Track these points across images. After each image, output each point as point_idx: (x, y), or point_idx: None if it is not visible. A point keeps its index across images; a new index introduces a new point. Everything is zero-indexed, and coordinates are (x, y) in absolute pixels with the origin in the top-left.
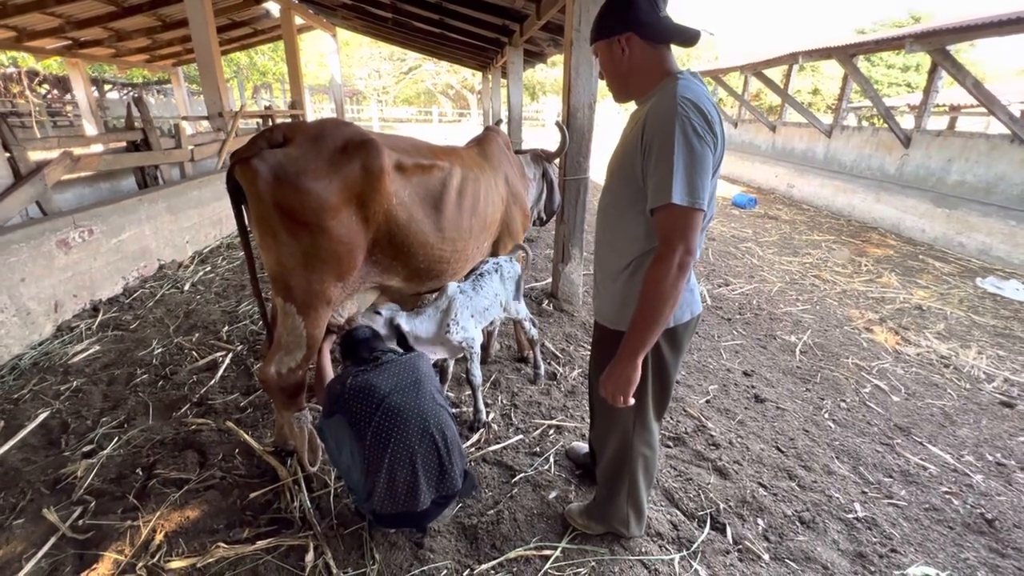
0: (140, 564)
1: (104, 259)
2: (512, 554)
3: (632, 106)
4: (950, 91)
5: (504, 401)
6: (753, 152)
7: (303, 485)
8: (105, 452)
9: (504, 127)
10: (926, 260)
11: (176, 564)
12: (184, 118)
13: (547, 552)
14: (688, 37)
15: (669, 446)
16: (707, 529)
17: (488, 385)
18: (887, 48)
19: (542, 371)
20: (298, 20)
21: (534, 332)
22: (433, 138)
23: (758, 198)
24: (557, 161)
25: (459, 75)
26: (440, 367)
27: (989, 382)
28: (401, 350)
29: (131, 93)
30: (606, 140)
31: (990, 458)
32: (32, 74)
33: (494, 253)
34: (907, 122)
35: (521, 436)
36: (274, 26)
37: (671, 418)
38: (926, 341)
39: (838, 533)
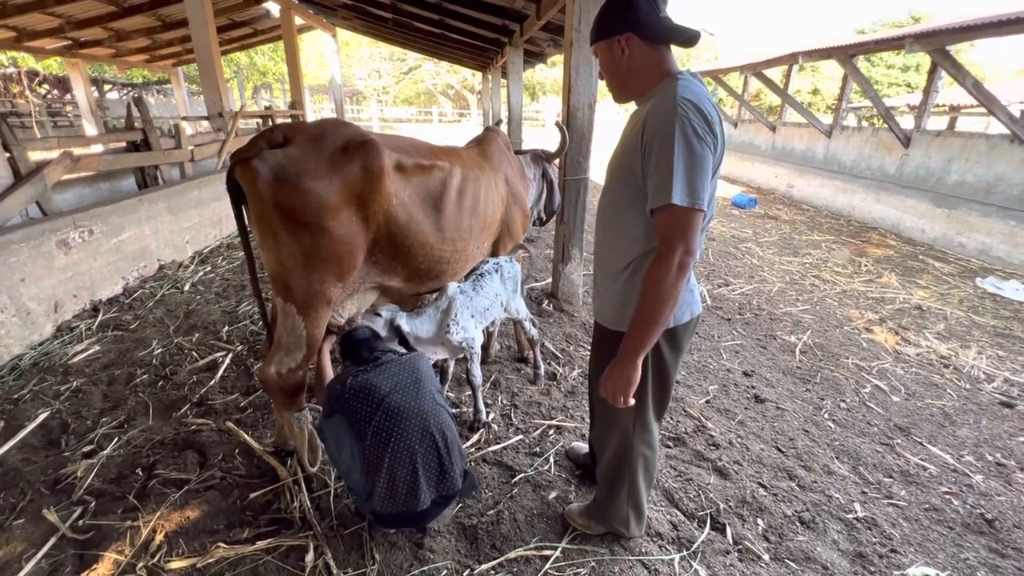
0: (140, 564)
1: (104, 259)
2: (512, 554)
3: (632, 106)
4: (950, 91)
5: (504, 401)
6: (753, 152)
7: (303, 485)
8: (105, 452)
9: (504, 127)
10: (926, 260)
11: (176, 564)
12: (184, 118)
13: (547, 552)
14: (688, 37)
15: (669, 446)
16: (707, 529)
17: (488, 385)
18: (887, 48)
19: (542, 371)
20: (298, 20)
21: (534, 332)
22: (433, 138)
23: (758, 198)
24: (557, 161)
25: (459, 75)
26: (440, 367)
27: (989, 382)
28: (404, 350)
29: (131, 93)
30: (606, 140)
31: (990, 458)
32: (32, 74)
33: (494, 253)
34: (907, 122)
35: (521, 436)
36: (274, 26)
37: (671, 418)
38: (926, 341)
39: (838, 533)
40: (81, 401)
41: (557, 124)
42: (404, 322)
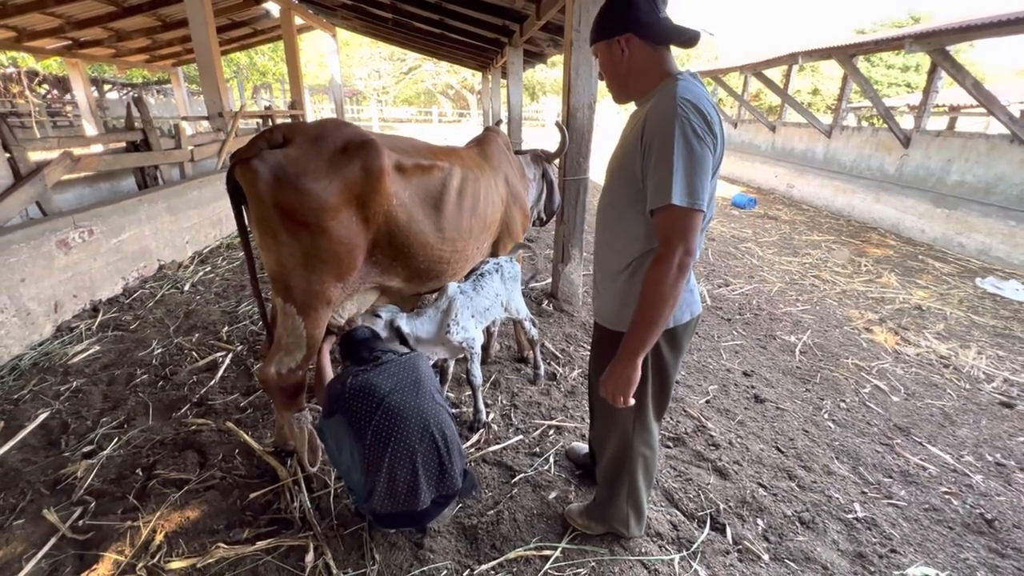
0: (140, 564)
1: (104, 259)
2: (512, 554)
3: (632, 107)
4: (950, 91)
5: (504, 401)
6: (753, 152)
7: (303, 485)
8: (105, 452)
9: (504, 127)
10: (926, 260)
11: (176, 564)
12: (184, 118)
13: (547, 552)
14: (688, 38)
15: (669, 446)
16: (707, 529)
17: (488, 385)
18: (887, 48)
19: (542, 371)
20: (298, 20)
21: (534, 332)
22: (433, 138)
23: (758, 198)
24: (557, 161)
25: (459, 75)
26: (440, 367)
27: (989, 382)
28: (406, 349)
29: (131, 93)
30: (606, 140)
31: (990, 458)
32: (32, 74)
33: (494, 253)
34: (907, 122)
35: (521, 436)
36: (274, 26)
37: (671, 418)
38: (926, 341)
39: (838, 533)
40: (81, 401)
41: (557, 124)
42: (404, 323)
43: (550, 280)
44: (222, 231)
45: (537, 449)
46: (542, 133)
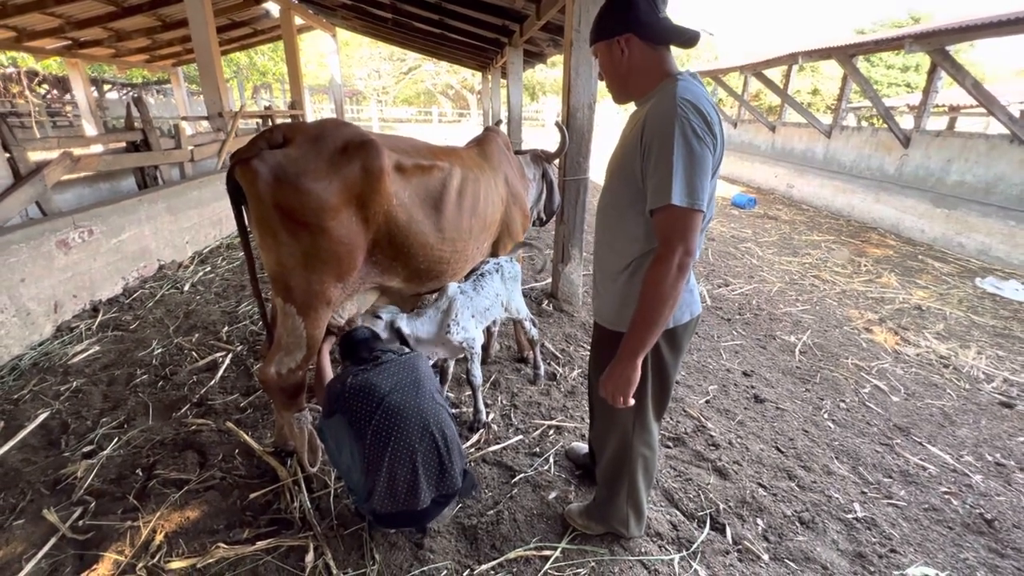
0: (140, 564)
1: (104, 259)
2: (512, 554)
3: (632, 107)
4: (949, 91)
5: (504, 401)
6: (753, 152)
7: (303, 486)
8: (105, 453)
9: (504, 127)
10: (925, 260)
11: (176, 565)
12: (184, 118)
13: (547, 552)
14: (688, 38)
15: (669, 446)
16: (707, 529)
17: (488, 385)
18: (887, 48)
19: (542, 371)
20: (298, 20)
21: (534, 332)
22: (433, 138)
23: (757, 198)
24: (557, 161)
25: (459, 75)
26: (440, 367)
27: (988, 382)
28: (407, 349)
29: (131, 93)
30: (606, 140)
31: (989, 458)
32: (32, 74)
33: (494, 253)
34: (906, 122)
35: (521, 436)
36: (274, 26)
37: (671, 418)
38: (925, 341)
39: (837, 533)
40: (81, 401)
41: (557, 124)
42: (404, 324)
43: (550, 280)
44: (222, 231)
45: (537, 449)
46: (542, 133)
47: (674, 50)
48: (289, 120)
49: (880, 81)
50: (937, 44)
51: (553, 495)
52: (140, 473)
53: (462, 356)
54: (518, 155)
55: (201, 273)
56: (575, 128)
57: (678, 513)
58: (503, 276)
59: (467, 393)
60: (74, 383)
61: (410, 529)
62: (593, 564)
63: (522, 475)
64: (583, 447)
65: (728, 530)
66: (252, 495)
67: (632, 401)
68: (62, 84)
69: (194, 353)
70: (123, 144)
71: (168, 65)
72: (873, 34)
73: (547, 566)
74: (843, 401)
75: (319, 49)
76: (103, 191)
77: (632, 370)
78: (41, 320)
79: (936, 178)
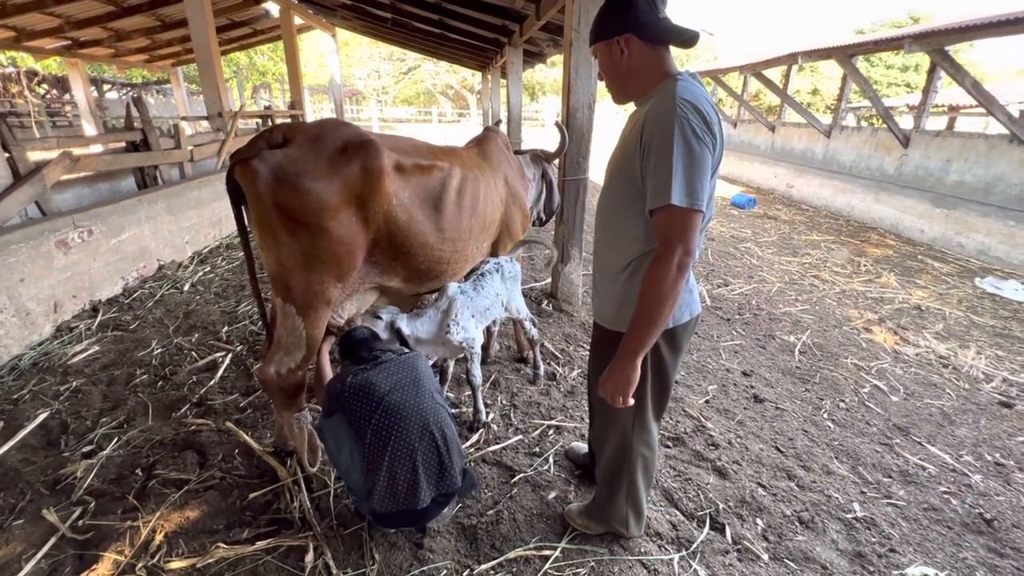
0: (140, 564)
1: (103, 259)
2: (512, 554)
3: (631, 107)
4: (949, 91)
5: (504, 401)
6: (752, 152)
7: (303, 485)
8: (105, 452)
9: (503, 127)
10: (925, 260)
11: (176, 564)
12: (183, 118)
13: (547, 552)
14: (687, 38)
15: (668, 446)
16: (706, 529)
17: (488, 385)
18: (886, 48)
19: (542, 371)
20: (298, 20)
21: (534, 332)
22: (433, 138)
23: (757, 198)
24: (556, 161)
25: (459, 75)
26: (440, 367)
27: (988, 382)
28: (406, 349)
29: (130, 93)
30: (605, 140)
31: (989, 458)
32: (31, 74)
33: (494, 253)
34: (906, 122)
35: (521, 436)
36: (274, 26)
37: (670, 418)
38: (925, 341)
39: (837, 533)
40: (81, 401)
41: (556, 124)
42: (404, 324)
43: (550, 280)
44: (222, 231)
45: (537, 449)
46: (542, 133)
47: (674, 50)
48: (289, 120)
49: (880, 81)
50: (937, 44)
51: (553, 495)
52: (140, 473)
53: (462, 356)
54: (518, 155)
55: (201, 273)
56: (575, 128)
57: (678, 513)
58: (503, 276)
59: (467, 393)
60: (74, 383)
61: (410, 529)
62: (593, 564)
63: (522, 475)
64: (583, 447)
65: (728, 530)
66: (252, 495)
67: (631, 401)
68: (62, 84)
69: (194, 353)
70: (123, 144)
71: (168, 65)
72: (873, 34)
73: (547, 566)
74: (842, 401)
75: (319, 49)
76: (103, 191)
77: (632, 370)
78: (41, 320)
79: (936, 178)
